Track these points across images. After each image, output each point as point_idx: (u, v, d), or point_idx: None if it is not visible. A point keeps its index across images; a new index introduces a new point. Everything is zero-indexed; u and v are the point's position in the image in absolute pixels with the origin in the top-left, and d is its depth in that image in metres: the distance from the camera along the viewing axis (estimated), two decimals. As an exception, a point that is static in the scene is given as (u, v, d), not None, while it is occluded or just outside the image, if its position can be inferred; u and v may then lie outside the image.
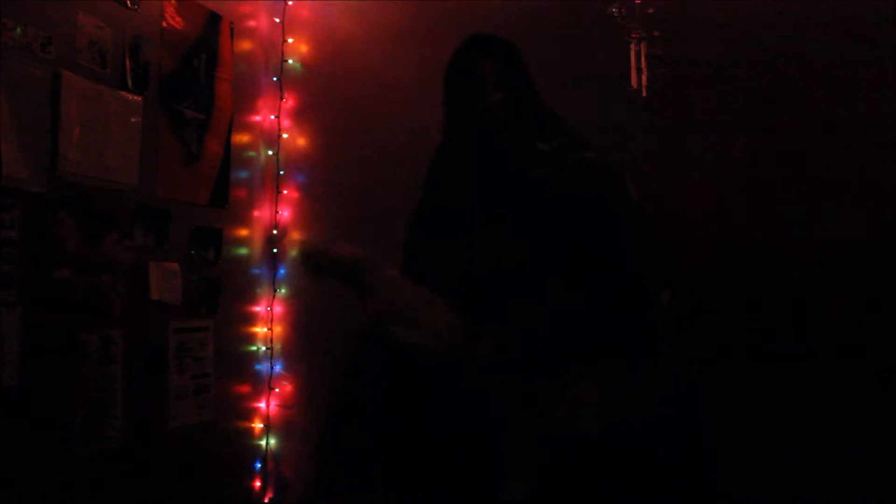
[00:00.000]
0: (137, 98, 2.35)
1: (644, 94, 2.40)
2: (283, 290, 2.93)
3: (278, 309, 2.94)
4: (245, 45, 2.90)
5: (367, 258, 1.67)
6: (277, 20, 2.98)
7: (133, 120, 2.33)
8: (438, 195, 1.91)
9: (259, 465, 2.88)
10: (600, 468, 1.57)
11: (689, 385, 1.85)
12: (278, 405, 2.90)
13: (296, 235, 2.95)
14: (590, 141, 1.82)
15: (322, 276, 1.74)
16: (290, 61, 2.97)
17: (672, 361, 1.72)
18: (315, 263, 1.75)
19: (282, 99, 2.97)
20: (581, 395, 1.58)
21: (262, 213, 2.95)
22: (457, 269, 1.72)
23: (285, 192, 2.96)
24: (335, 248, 1.70)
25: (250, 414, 2.88)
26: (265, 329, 2.93)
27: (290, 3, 2.99)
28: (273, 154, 2.97)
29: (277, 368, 2.91)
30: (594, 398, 1.58)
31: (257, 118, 2.96)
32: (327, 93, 2.93)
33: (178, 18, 2.53)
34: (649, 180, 2.39)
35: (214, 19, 2.72)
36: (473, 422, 1.59)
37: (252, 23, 2.94)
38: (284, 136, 2.97)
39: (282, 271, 2.95)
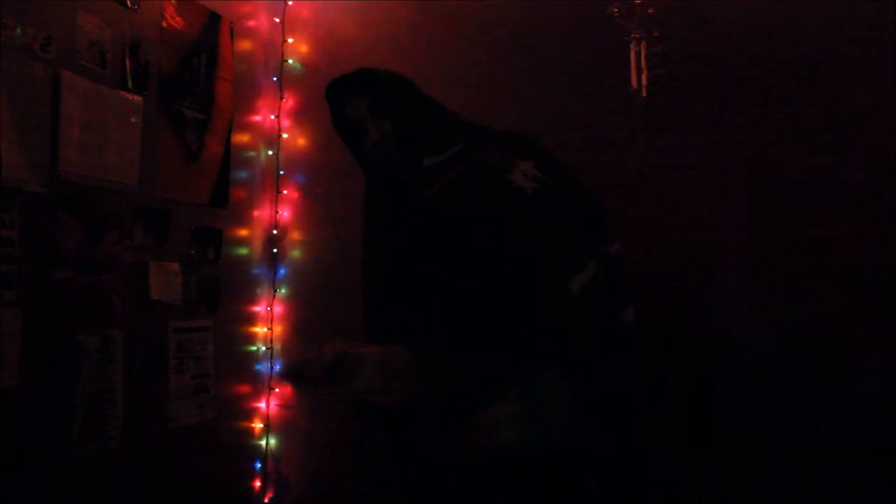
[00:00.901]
0: (137, 98, 2.35)
1: (644, 94, 2.40)
2: (283, 290, 2.93)
3: (278, 309, 2.94)
4: (245, 45, 2.90)
5: (349, 354, 1.60)
6: (277, 20, 2.98)
7: (133, 120, 2.33)
8: (368, 242, 1.92)
9: (259, 465, 2.88)
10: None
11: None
12: (278, 405, 2.90)
13: (296, 235, 2.95)
14: (490, 133, 1.77)
15: (312, 386, 1.69)
16: (290, 61, 2.97)
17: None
18: (300, 381, 1.73)
19: (282, 99, 2.97)
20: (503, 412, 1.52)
21: (262, 213, 2.95)
22: (394, 312, 1.71)
23: (285, 192, 2.96)
24: (316, 357, 1.62)
25: (250, 414, 2.88)
26: (265, 329, 2.92)
27: (290, 3, 2.99)
28: (273, 154, 2.97)
29: (277, 368, 2.91)
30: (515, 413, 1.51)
31: (257, 118, 2.96)
32: (327, 93, 2.92)
33: (178, 18, 2.53)
34: (650, 180, 2.40)
35: (214, 19, 2.72)
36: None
37: (252, 23, 2.94)
38: (284, 136, 2.97)
39: (282, 271, 2.95)
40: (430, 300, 1.61)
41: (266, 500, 2.88)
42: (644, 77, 2.39)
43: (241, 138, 2.87)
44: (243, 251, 2.87)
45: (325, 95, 1.94)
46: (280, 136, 2.97)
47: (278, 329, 2.93)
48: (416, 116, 1.83)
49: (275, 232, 2.96)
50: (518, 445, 1.51)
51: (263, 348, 2.92)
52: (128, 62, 2.31)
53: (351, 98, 1.89)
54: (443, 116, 1.86)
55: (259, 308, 2.93)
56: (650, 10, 2.39)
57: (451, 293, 1.57)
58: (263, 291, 2.94)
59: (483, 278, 1.54)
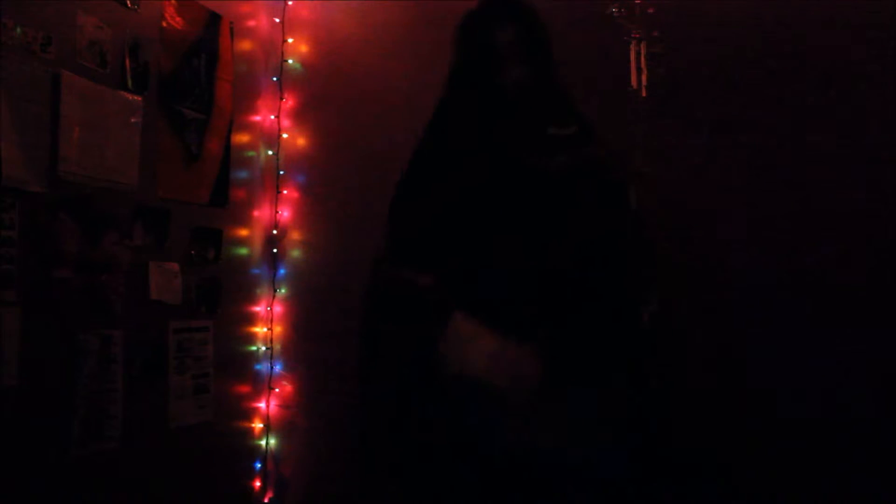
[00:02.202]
0: (137, 98, 2.35)
1: (644, 94, 2.39)
2: (283, 290, 2.93)
3: (278, 309, 2.94)
4: (245, 45, 2.90)
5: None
6: (277, 20, 2.98)
7: (133, 120, 2.33)
8: (431, 167, 1.75)
9: (259, 465, 2.88)
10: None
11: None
12: (278, 405, 2.90)
13: (296, 235, 2.95)
14: (594, 130, 1.73)
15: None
16: (290, 61, 2.97)
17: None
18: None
19: (282, 99, 2.97)
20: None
21: (262, 213, 2.95)
22: (449, 255, 1.60)
23: (285, 192, 2.96)
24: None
25: (250, 414, 2.88)
26: (265, 329, 2.92)
27: (290, 3, 2.99)
28: (273, 154, 2.97)
29: (277, 368, 2.91)
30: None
31: (257, 118, 2.96)
32: (327, 93, 2.93)
33: (178, 18, 2.53)
34: (649, 180, 2.39)
35: (214, 19, 2.72)
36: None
37: (252, 23, 2.94)
38: (284, 136, 2.97)
39: (282, 271, 2.95)
40: (515, 269, 1.55)
41: (266, 500, 2.88)
42: (644, 77, 2.38)
43: (241, 138, 2.87)
44: (243, 251, 2.87)
45: (461, 24, 1.75)
46: (280, 136, 2.97)
47: (278, 329, 2.93)
48: (556, 77, 1.69)
49: (275, 232, 2.96)
50: (548, 447, 1.51)
51: (263, 348, 2.92)
52: (128, 62, 2.31)
53: (509, 22, 1.70)
54: (565, 83, 1.74)
55: (259, 308, 2.93)
56: (650, 10, 2.39)
57: (546, 277, 1.54)
58: (263, 291, 2.94)
59: (583, 281, 1.54)
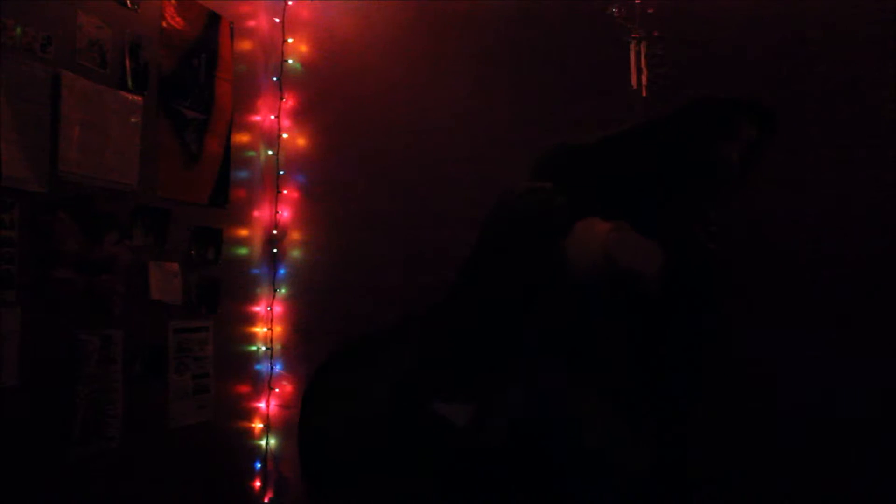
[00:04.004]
0: (137, 98, 2.35)
1: (644, 94, 2.39)
2: (283, 290, 2.93)
3: (278, 309, 2.94)
4: (245, 45, 2.90)
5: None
6: (277, 20, 2.98)
7: (133, 120, 2.33)
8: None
9: (259, 465, 2.88)
10: None
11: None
12: (278, 405, 2.90)
13: (296, 235, 2.95)
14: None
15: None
16: (290, 61, 2.97)
17: None
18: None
19: (282, 99, 2.96)
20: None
21: (262, 213, 2.95)
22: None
23: (285, 192, 2.96)
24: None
25: (250, 414, 2.88)
26: (265, 329, 2.92)
27: (290, 3, 2.99)
28: (273, 154, 2.97)
29: (277, 368, 2.91)
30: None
31: (257, 118, 2.96)
32: (327, 93, 2.93)
33: (178, 18, 2.53)
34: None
35: (214, 19, 2.72)
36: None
37: (252, 23, 2.94)
38: (284, 136, 2.97)
39: (282, 271, 2.95)
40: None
41: (266, 500, 2.88)
42: (644, 77, 2.38)
43: (241, 138, 2.87)
44: (243, 251, 2.87)
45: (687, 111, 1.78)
46: (280, 136, 2.97)
47: (278, 329, 2.93)
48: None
49: (275, 232, 2.96)
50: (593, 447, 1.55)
51: (263, 348, 2.92)
52: (128, 62, 2.31)
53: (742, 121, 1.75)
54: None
55: (259, 308, 2.93)
56: (650, 10, 2.39)
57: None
58: (263, 291, 2.94)
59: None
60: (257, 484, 2.87)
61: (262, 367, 2.91)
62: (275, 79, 2.97)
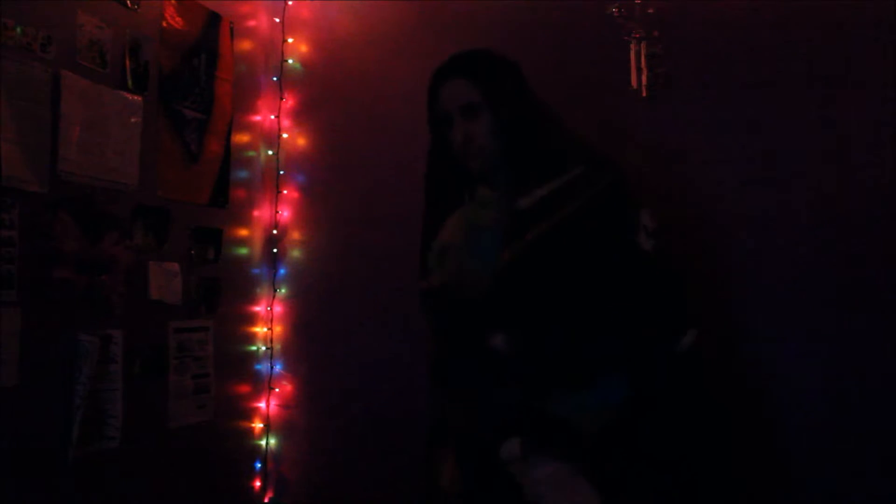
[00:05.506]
0: (137, 98, 2.35)
1: (644, 94, 2.39)
2: (283, 290, 2.93)
3: (278, 309, 2.94)
4: (245, 45, 2.90)
5: None
6: (277, 20, 2.98)
7: (133, 120, 2.34)
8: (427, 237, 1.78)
9: (259, 465, 2.88)
10: None
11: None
12: (278, 405, 2.90)
13: (296, 235, 2.95)
14: (607, 159, 1.70)
15: None
16: (290, 61, 2.97)
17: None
18: None
19: (282, 99, 2.96)
20: None
21: (262, 213, 2.95)
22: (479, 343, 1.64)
23: (285, 192, 2.96)
24: None
25: (250, 414, 2.88)
26: (265, 329, 2.92)
27: (290, 3, 2.99)
28: (273, 154, 2.97)
29: (277, 368, 2.91)
30: None
31: (257, 118, 2.96)
32: (327, 93, 2.93)
33: (178, 18, 2.53)
34: (649, 180, 2.39)
35: (214, 19, 2.72)
36: None
37: (252, 23, 2.94)
38: (284, 136, 2.97)
39: (282, 271, 2.95)
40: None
41: (266, 500, 2.88)
42: (644, 77, 2.38)
43: (241, 138, 2.87)
44: (243, 251, 2.87)
45: (445, 61, 1.72)
46: (280, 136, 2.97)
47: (278, 329, 2.93)
48: (531, 125, 1.63)
49: (275, 232, 2.96)
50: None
51: (263, 348, 2.92)
52: (128, 62, 2.31)
53: (459, 77, 1.64)
54: (555, 123, 1.68)
55: (259, 308, 2.93)
56: (650, 10, 2.39)
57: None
58: (263, 291, 2.94)
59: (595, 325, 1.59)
60: (257, 484, 2.88)
61: (262, 366, 2.91)
62: (275, 79, 2.97)
